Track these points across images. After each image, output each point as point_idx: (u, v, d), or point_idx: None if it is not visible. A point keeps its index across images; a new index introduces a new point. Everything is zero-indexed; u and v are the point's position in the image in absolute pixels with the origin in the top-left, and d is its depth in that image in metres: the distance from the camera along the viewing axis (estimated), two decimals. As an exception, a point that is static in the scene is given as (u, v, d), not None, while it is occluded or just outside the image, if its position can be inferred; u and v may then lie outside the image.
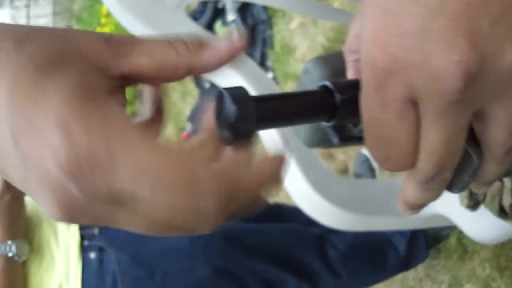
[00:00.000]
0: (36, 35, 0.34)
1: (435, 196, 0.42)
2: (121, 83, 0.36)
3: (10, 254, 1.35)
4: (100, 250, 1.49)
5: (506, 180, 0.85)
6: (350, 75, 0.47)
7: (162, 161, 0.31)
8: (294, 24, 3.17)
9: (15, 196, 1.40)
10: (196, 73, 0.37)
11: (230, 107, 0.36)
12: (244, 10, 3.42)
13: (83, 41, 0.35)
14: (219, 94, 0.37)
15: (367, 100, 0.38)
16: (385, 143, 0.38)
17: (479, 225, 1.03)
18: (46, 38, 0.34)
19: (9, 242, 1.36)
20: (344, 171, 2.73)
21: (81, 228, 1.52)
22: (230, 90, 0.36)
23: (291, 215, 2.05)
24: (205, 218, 0.33)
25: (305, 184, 1.01)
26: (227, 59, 0.38)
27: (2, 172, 0.34)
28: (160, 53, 0.36)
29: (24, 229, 1.43)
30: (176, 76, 0.37)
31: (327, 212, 1.03)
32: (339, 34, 2.76)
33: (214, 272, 1.53)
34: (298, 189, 1.03)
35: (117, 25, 4.55)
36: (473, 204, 0.90)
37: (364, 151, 2.59)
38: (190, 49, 0.36)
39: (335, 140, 0.43)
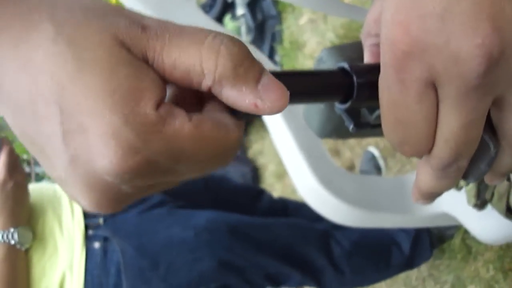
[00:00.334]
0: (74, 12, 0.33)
1: (451, 184, 0.42)
2: None
3: (12, 242, 1.35)
4: (105, 240, 1.49)
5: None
6: (367, 59, 0.47)
7: (212, 152, 0.34)
8: (303, 20, 3.17)
9: (18, 183, 1.40)
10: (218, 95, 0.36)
11: None
12: (253, 5, 3.42)
13: (121, 25, 0.33)
14: None
15: (386, 82, 0.38)
16: (403, 127, 0.38)
17: (485, 225, 1.03)
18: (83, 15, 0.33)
19: (12, 229, 1.36)
20: (350, 168, 2.72)
21: (86, 218, 1.52)
22: None
23: (296, 210, 2.05)
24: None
25: (313, 179, 1.01)
26: (248, 108, 0.35)
27: (44, 152, 0.34)
28: (188, 62, 0.34)
29: (27, 217, 1.43)
30: (196, 87, 0.36)
31: (334, 208, 1.03)
32: (349, 30, 2.75)
33: (218, 265, 1.53)
34: (305, 184, 1.03)
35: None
36: (480, 203, 0.90)
37: (371, 148, 2.59)
38: (215, 76, 0.34)
39: (350, 125, 0.43)
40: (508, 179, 0.85)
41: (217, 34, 0.34)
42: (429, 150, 0.39)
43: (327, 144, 2.77)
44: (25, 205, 1.44)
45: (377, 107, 0.41)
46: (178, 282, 1.49)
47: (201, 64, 0.33)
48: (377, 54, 0.45)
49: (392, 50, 0.36)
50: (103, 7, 0.33)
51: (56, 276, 1.41)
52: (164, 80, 0.34)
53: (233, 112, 0.36)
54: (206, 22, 1.16)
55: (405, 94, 0.37)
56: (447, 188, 0.42)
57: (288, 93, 0.34)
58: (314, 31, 3.09)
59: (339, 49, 0.56)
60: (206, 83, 0.34)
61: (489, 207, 0.92)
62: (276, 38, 3.34)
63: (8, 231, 1.35)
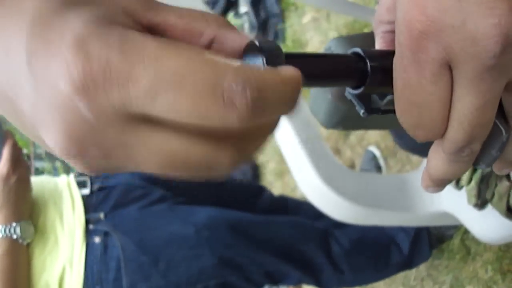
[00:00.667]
0: None
1: (462, 170, 0.41)
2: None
3: (14, 237, 1.35)
4: (105, 234, 1.49)
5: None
6: (379, 46, 0.47)
7: (185, 67, 0.28)
8: (306, 19, 3.17)
9: (21, 178, 1.40)
10: (217, 47, 0.35)
11: (260, 61, 0.35)
12: (257, 3, 3.42)
13: None
14: (251, 45, 0.36)
15: (402, 63, 0.38)
16: (417, 108, 0.38)
17: (486, 224, 1.03)
18: None
19: (14, 224, 1.36)
20: (351, 168, 2.72)
21: (87, 212, 1.52)
22: (262, 42, 0.35)
23: (296, 208, 2.05)
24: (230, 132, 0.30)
25: (314, 176, 1.01)
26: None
27: (13, 101, 0.32)
28: (189, 16, 0.34)
29: (29, 211, 1.43)
30: (199, 43, 0.35)
31: (335, 205, 1.03)
32: (352, 30, 2.76)
33: (218, 262, 1.53)
34: (307, 181, 1.04)
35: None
36: (481, 203, 0.90)
37: (372, 148, 2.59)
38: (218, 22, 0.34)
39: (361, 110, 0.43)
40: (509, 179, 0.86)
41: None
42: (442, 134, 0.39)
43: (328, 143, 2.78)
44: (28, 199, 1.44)
45: (389, 92, 0.41)
46: (178, 278, 1.49)
47: (204, 16, 0.34)
48: (389, 41, 0.45)
49: (408, 31, 0.36)
50: None
51: (56, 271, 1.41)
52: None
53: None
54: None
55: (421, 74, 0.37)
56: (459, 173, 0.42)
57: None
58: (317, 30, 3.09)
59: (348, 39, 0.56)
60: (207, 35, 0.34)
61: (489, 207, 0.93)
62: (278, 36, 3.34)
63: (11, 226, 1.35)
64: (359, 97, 0.43)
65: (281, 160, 3.44)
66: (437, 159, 0.41)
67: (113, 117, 0.29)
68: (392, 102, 0.42)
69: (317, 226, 1.85)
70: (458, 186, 0.91)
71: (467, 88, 0.36)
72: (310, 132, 1.02)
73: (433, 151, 0.42)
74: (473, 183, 0.88)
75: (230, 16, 3.52)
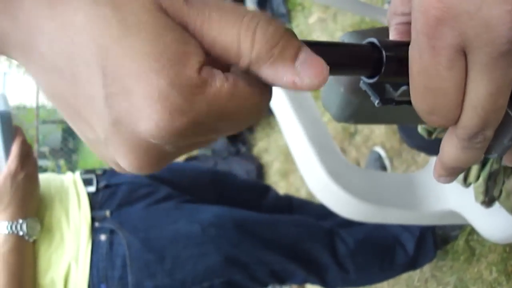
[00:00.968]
0: None
1: (475, 157, 0.42)
2: None
3: (20, 233, 1.35)
4: (111, 232, 1.49)
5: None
6: (393, 38, 0.47)
7: (251, 111, 0.35)
8: (313, 19, 3.17)
9: (29, 175, 1.40)
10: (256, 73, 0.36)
11: None
12: (263, 3, 3.42)
13: None
14: None
15: (418, 49, 0.38)
16: (432, 94, 0.39)
17: (492, 223, 1.03)
18: None
19: (20, 221, 1.36)
20: (356, 168, 2.72)
21: (93, 210, 1.52)
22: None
23: (301, 208, 2.05)
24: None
25: (322, 173, 1.01)
26: (288, 85, 0.35)
27: (75, 122, 0.36)
28: (226, 41, 0.34)
29: (36, 208, 1.43)
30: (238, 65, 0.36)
31: (342, 201, 1.03)
32: (358, 30, 2.75)
33: (224, 260, 1.53)
34: (314, 177, 1.04)
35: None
36: (488, 200, 0.90)
37: (377, 148, 2.59)
38: (254, 50, 0.34)
39: (376, 101, 0.43)
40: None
41: (254, 14, 0.35)
42: (456, 120, 0.40)
43: (333, 143, 2.77)
44: (35, 196, 1.44)
45: (403, 82, 0.42)
46: (183, 277, 1.49)
47: (238, 44, 0.34)
48: (403, 33, 0.45)
49: (425, 17, 0.37)
50: None
51: (62, 267, 1.41)
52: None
53: None
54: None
55: (437, 60, 0.37)
56: (471, 161, 0.42)
57: (327, 68, 0.35)
58: (324, 30, 3.09)
59: (361, 33, 0.57)
60: (243, 63, 0.34)
61: (496, 205, 0.93)
62: (285, 36, 3.34)
63: (17, 222, 1.35)
64: (373, 87, 0.43)
65: (286, 160, 3.44)
66: (451, 146, 0.42)
67: (189, 144, 0.36)
68: (406, 93, 0.42)
69: (323, 225, 1.85)
70: (466, 183, 0.91)
71: (481, 74, 0.37)
72: (318, 129, 1.02)
73: (447, 138, 0.42)
74: (481, 180, 0.89)
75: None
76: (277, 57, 0.34)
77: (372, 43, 0.41)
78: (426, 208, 1.11)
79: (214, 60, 0.35)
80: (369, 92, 0.43)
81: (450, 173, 0.44)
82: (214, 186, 1.89)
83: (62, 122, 13.80)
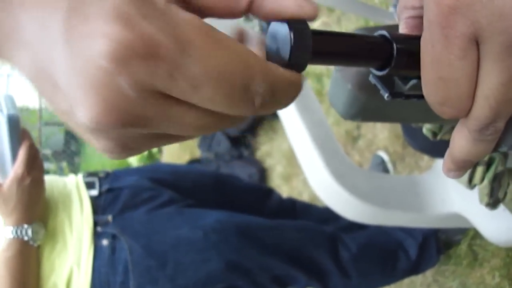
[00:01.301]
0: None
1: (486, 150, 0.42)
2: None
3: (25, 238, 1.35)
4: (113, 237, 1.49)
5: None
6: (402, 32, 0.47)
7: (227, 66, 0.31)
8: (317, 23, 3.17)
9: (36, 179, 1.40)
10: (255, 12, 0.36)
11: (287, 36, 0.35)
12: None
13: None
14: (277, 21, 0.36)
15: (430, 39, 0.38)
16: (445, 85, 0.39)
17: (497, 225, 1.03)
18: None
19: (26, 226, 1.36)
20: (359, 172, 2.72)
21: (95, 214, 1.52)
22: (291, 23, 0.35)
23: (304, 211, 2.05)
24: (247, 108, 0.34)
25: (326, 174, 1.01)
26: (291, 12, 0.35)
27: (50, 75, 0.33)
28: None
29: (41, 213, 1.44)
30: (238, 8, 0.36)
31: (346, 203, 1.03)
32: (362, 35, 2.75)
33: (226, 266, 1.53)
34: (318, 178, 1.04)
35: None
36: (493, 202, 0.90)
37: (381, 153, 2.59)
38: None
39: (386, 94, 0.43)
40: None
41: None
42: (468, 111, 0.39)
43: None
44: (40, 201, 1.43)
45: (413, 76, 0.42)
46: (185, 282, 1.49)
47: None
48: (412, 27, 0.46)
49: (437, 6, 0.37)
50: None
51: (65, 272, 1.41)
52: None
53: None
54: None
55: (449, 50, 0.37)
56: (482, 154, 0.42)
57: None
58: (327, 35, 3.08)
59: (370, 30, 0.57)
60: (244, 1, 0.35)
61: (501, 208, 0.93)
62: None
63: (22, 227, 1.35)
64: (383, 80, 0.43)
65: (288, 164, 3.45)
66: (461, 138, 0.42)
67: (152, 93, 0.31)
68: (415, 87, 0.42)
69: (326, 230, 1.85)
70: (471, 185, 0.91)
71: (493, 64, 0.37)
72: (322, 130, 1.02)
73: (457, 131, 0.42)
74: (485, 182, 0.89)
75: (241, 20, 3.52)
76: None
77: (383, 35, 0.41)
78: (430, 210, 1.11)
79: None
80: (379, 86, 0.44)
81: (460, 167, 0.44)
82: (217, 190, 1.89)
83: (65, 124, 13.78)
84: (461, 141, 0.42)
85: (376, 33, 0.41)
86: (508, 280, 1.86)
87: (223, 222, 1.60)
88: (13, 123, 1.36)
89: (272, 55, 0.37)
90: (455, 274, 2.09)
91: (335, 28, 3.03)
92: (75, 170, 13.45)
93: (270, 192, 2.09)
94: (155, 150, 7.33)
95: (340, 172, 1.02)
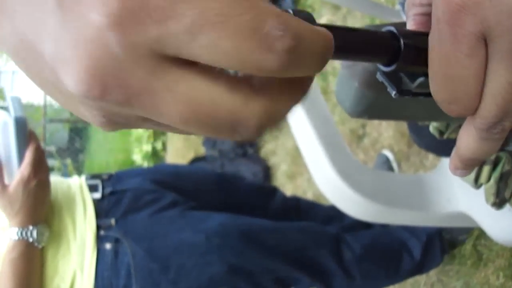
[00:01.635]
0: None
1: (493, 148, 0.42)
2: None
3: (30, 240, 1.36)
4: (116, 241, 1.49)
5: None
6: (410, 28, 0.47)
7: (229, 8, 0.27)
8: (322, 21, 3.17)
9: (41, 182, 1.40)
10: None
11: None
12: (273, 3, 3.42)
13: None
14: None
15: (438, 37, 0.38)
16: (452, 83, 0.38)
17: (503, 225, 1.03)
18: None
19: (31, 227, 1.36)
20: (364, 171, 2.72)
21: (98, 217, 1.52)
22: (296, 12, 0.33)
23: (309, 210, 2.05)
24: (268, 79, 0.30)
25: (331, 171, 1.01)
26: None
27: (34, 44, 0.30)
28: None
29: (46, 215, 1.44)
30: None
31: (351, 201, 1.03)
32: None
33: (228, 269, 1.53)
34: (323, 176, 1.04)
35: None
36: (499, 202, 0.90)
37: (385, 151, 2.59)
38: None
39: (393, 91, 0.43)
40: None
41: None
42: (475, 110, 0.39)
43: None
44: (45, 203, 1.44)
45: (420, 72, 0.41)
46: (188, 286, 1.49)
47: None
48: (420, 23, 0.45)
49: (446, 4, 0.37)
50: None
51: (68, 275, 1.41)
52: None
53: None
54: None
55: (457, 48, 0.37)
56: (488, 153, 0.42)
57: None
58: (333, 33, 3.08)
59: (377, 27, 0.56)
60: None
61: (507, 208, 0.92)
62: (294, 38, 3.34)
63: (27, 229, 1.36)
64: (390, 77, 0.43)
65: (293, 162, 3.45)
66: (468, 137, 0.41)
67: (145, 55, 0.28)
68: (423, 84, 0.42)
69: (329, 231, 1.85)
70: (477, 184, 0.91)
71: (501, 62, 0.37)
72: (328, 128, 1.02)
73: (464, 129, 0.42)
74: (492, 181, 0.88)
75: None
76: None
77: (390, 31, 0.41)
78: (435, 209, 1.11)
79: None
80: (386, 83, 0.43)
81: (467, 165, 0.44)
82: (220, 190, 1.89)
83: (69, 121, 13.84)
84: (468, 139, 0.41)
85: (384, 29, 0.41)
86: (512, 280, 1.86)
87: (226, 225, 1.60)
88: (20, 125, 1.37)
89: None
90: (459, 274, 2.08)
91: (341, 26, 3.03)
92: (79, 167, 13.48)
93: (273, 191, 2.09)
94: (159, 148, 7.35)
95: (346, 170, 1.02)
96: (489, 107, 0.38)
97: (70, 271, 1.42)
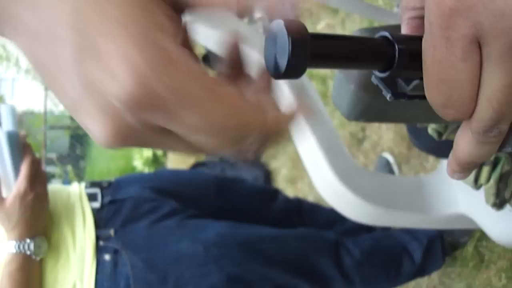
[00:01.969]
0: None
1: (490, 151, 0.41)
2: (175, 7, 0.37)
3: (28, 253, 1.36)
4: (115, 252, 1.49)
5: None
6: (405, 32, 0.47)
7: (226, 119, 0.33)
8: (321, 25, 3.18)
9: (38, 195, 1.40)
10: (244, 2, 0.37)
11: (285, 47, 0.35)
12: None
13: None
14: (276, 26, 0.36)
15: (432, 40, 0.38)
16: (447, 87, 0.38)
17: (503, 226, 1.03)
18: None
19: (28, 240, 1.36)
20: (364, 174, 2.72)
21: (97, 228, 1.52)
22: (288, 24, 0.36)
23: (311, 212, 2.04)
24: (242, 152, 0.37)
25: (331, 175, 1.01)
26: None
27: (53, 74, 0.35)
28: None
29: (43, 228, 1.44)
30: (227, 3, 0.37)
31: (351, 204, 1.03)
32: (366, 37, 2.75)
33: (227, 279, 1.53)
34: (323, 180, 1.03)
35: None
36: (499, 202, 0.90)
37: (386, 154, 2.59)
38: None
39: (388, 95, 0.43)
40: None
41: None
42: (471, 113, 0.39)
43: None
44: (43, 215, 1.44)
45: (415, 77, 0.41)
46: (186, 297, 1.50)
47: None
48: (414, 27, 0.45)
49: (438, 8, 0.36)
50: None
51: (68, 286, 1.41)
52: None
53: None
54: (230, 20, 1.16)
55: (451, 52, 0.37)
56: (485, 156, 0.42)
57: None
58: (332, 37, 3.09)
59: (372, 30, 0.56)
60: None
61: (507, 208, 0.92)
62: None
63: (25, 242, 1.36)
64: (385, 81, 0.43)
65: (293, 166, 3.45)
66: (465, 140, 0.41)
67: (155, 127, 0.34)
68: (418, 87, 0.42)
69: (328, 237, 1.84)
70: (477, 185, 0.91)
71: (496, 65, 0.36)
72: (327, 132, 1.02)
73: (461, 133, 0.42)
74: (491, 181, 0.88)
75: (245, 22, 3.53)
76: None
77: (384, 37, 0.41)
78: (436, 211, 1.11)
79: None
80: (381, 87, 0.43)
81: (464, 169, 0.44)
82: (219, 196, 1.88)
83: (70, 128, 13.86)
84: (464, 142, 0.41)
85: (378, 35, 0.41)
86: (514, 282, 1.86)
87: (224, 235, 1.60)
88: (12, 140, 1.38)
89: (269, 60, 0.37)
90: (462, 276, 2.08)
91: (340, 30, 3.04)
92: (80, 174, 13.48)
93: (275, 193, 2.09)
94: (160, 154, 7.34)
95: (345, 173, 1.02)
96: (484, 110, 0.38)
97: (70, 282, 1.42)
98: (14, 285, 1.33)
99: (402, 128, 2.48)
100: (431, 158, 2.34)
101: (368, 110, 0.62)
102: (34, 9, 0.34)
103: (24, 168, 1.38)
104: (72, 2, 0.32)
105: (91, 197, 1.60)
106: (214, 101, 0.33)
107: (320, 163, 1.02)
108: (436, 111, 0.40)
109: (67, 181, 10.87)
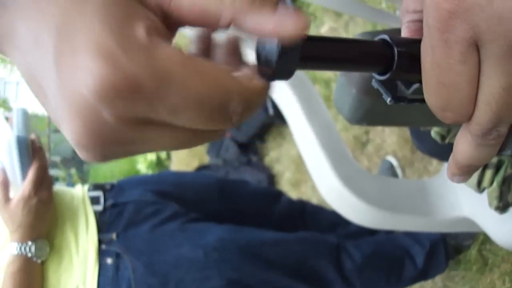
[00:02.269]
0: None
1: (489, 154, 0.41)
2: (164, 21, 0.36)
3: (29, 255, 1.37)
4: (117, 256, 1.50)
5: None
6: (405, 36, 0.47)
7: (205, 92, 0.33)
8: (324, 29, 3.18)
9: (42, 200, 1.41)
10: (238, 28, 0.36)
11: (273, 48, 0.35)
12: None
13: None
14: None
15: (430, 43, 0.38)
16: (446, 90, 0.38)
17: (506, 229, 1.02)
18: None
19: (29, 243, 1.38)
20: (367, 177, 2.72)
21: (100, 232, 1.53)
22: None
23: (314, 214, 2.04)
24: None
25: (334, 178, 1.01)
26: (271, 33, 0.35)
27: (40, 85, 0.35)
28: (205, 1, 0.35)
29: (46, 230, 1.45)
30: (218, 25, 0.36)
31: (354, 207, 1.03)
32: (370, 40, 2.75)
33: (227, 283, 1.53)
34: (326, 183, 1.03)
35: None
36: (503, 205, 0.90)
37: (389, 157, 2.59)
38: (236, 4, 0.35)
39: (388, 98, 0.43)
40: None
41: None
42: (470, 116, 0.39)
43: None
44: (46, 219, 1.45)
45: (415, 80, 0.41)
46: (187, 301, 1.50)
47: (218, 2, 0.35)
48: (414, 30, 0.45)
49: (436, 11, 0.37)
50: None
51: None
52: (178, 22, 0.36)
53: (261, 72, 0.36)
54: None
55: (449, 54, 0.37)
56: (485, 159, 0.42)
57: (307, 18, 0.35)
58: (335, 40, 3.09)
59: (373, 34, 0.56)
60: (225, 18, 0.35)
61: (510, 212, 0.92)
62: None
63: (26, 244, 1.37)
64: (385, 84, 0.43)
65: (297, 170, 3.44)
66: (464, 143, 0.41)
67: (133, 121, 0.33)
68: (418, 91, 0.42)
69: (330, 241, 1.84)
70: (480, 188, 0.91)
71: (494, 68, 0.36)
72: (330, 135, 1.02)
73: (460, 136, 0.42)
74: (495, 185, 0.88)
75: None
76: (259, 5, 0.35)
77: (383, 40, 0.41)
78: (439, 214, 1.11)
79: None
80: (381, 90, 0.43)
81: (464, 172, 0.44)
82: (222, 199, 1.88)
83: (74, 131, 13.79)
84: (464, 145, 0.41)
85: (377, 38, 0.41)
86: (518, 285, 1.86)
87: (224, 239, 1.60)
88: (22, 145, 1.40)
89: (261, 59, 0.37)
90: (465, 279, 2.08)
91: (343, 33, 3.04)
92: (84, 177, 13.48)
93: (278, 195, 2.09)
94: (164, 157, 7.34)
95: (348, 177, 1.02)
96: (483, 113, 0.38)
97: (73, 285, 1.42)
98: (15, 286, 1.33)
99: (406, 131, 2.48)
100: (435, 162, 2.34)
101: (369, 113, 0.62)
102: (27, 20, 0.34)
103: (31, 172, 1.40)
104: (59, 4, 0.33)
105: (94, 201, 1.61)
106: (195, 74, 0.32)
107: (323, 166, 1.02)
108: (435, 113, 0.40)
109: (71, 184, 10.87)
